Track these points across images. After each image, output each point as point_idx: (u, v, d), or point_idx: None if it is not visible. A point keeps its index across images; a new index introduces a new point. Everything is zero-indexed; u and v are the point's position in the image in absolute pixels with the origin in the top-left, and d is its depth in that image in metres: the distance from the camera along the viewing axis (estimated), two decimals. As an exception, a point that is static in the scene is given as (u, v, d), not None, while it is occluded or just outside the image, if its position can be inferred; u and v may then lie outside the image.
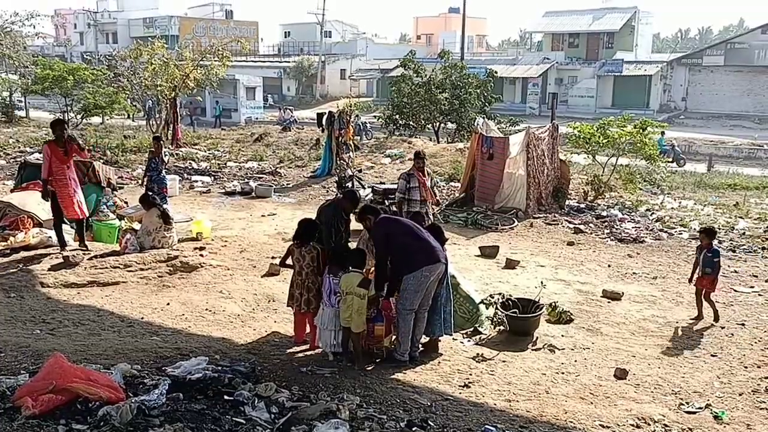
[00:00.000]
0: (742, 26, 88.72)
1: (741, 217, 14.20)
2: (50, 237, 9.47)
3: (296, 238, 6.82)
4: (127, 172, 17.83)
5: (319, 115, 18.96)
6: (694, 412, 5.77)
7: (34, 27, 32.58)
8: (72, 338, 6.60)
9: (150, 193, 10.97)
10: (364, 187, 14.73)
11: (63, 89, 27.76)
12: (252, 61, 60.23)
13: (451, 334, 7.06)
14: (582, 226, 13.23)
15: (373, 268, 6.59)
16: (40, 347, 6.05)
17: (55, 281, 8.32)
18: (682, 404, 5.91)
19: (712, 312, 8.20)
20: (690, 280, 8.55)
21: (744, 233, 12.81)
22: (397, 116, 24.39)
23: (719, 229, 13.11)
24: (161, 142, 13.24)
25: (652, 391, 6.19)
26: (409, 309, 6.36)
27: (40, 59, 32.58)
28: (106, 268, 8.79)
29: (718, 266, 8.31)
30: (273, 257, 9.92)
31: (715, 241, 9.11)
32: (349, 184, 14.27)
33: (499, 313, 7.66)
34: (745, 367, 6.81)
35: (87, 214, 9.61)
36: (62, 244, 9.21)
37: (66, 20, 78.30)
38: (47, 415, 4.41)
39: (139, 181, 14.15)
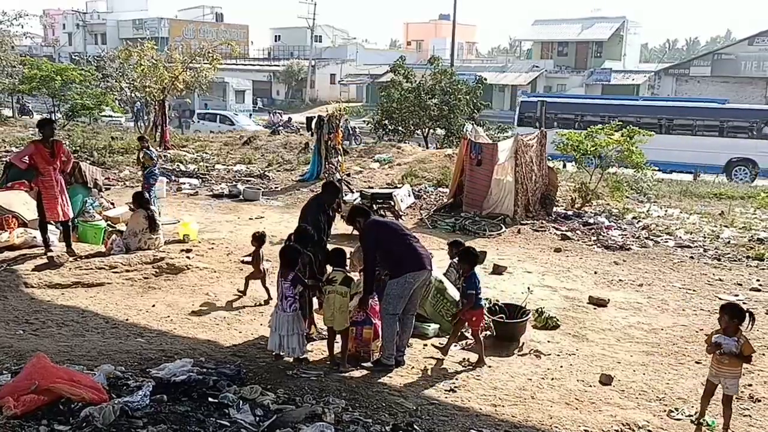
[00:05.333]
0: (729, 37, 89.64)
1: (726, 226, 14.31)
2: (35, 237, 9.38)
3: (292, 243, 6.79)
4: (114, 173, 17.72)
5: (309, 119, 18.97)
6: (681, 419, 5.79)
7: (22, 27, 32.40)
8: (55, 339, 6.55)
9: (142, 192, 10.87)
10: (352, 192, 14.75)
11: (50, 89, 27.55)
12: (242, 64, 60.17)
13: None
14: (569, 233, 13.29)
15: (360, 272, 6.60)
16: (23, 347, 6.01)
17: (39, 282, 8.25)
18: (671, 411, 5.92)
19: (478, 356, 6.77)
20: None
21: (729, 242, 12.92)
22: (387, 121, 24.44)
23: (704, 237, 13.23)
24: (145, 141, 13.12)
25: (636, 397, 6.22)
26: (392, 314, 6.35)
27: (27, 59, 32.32)
28: (91, 269, 8.73)
29: (473, 299, 6.69)
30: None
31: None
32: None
33: (486, 318, 7.68)
34: (729, 374, 6.84)
35: (71, 216, 9.45)
36: (47, 246, 9.11)
37: (54, 20, 77.77)
38: (29, 415, 4.38)
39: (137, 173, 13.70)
